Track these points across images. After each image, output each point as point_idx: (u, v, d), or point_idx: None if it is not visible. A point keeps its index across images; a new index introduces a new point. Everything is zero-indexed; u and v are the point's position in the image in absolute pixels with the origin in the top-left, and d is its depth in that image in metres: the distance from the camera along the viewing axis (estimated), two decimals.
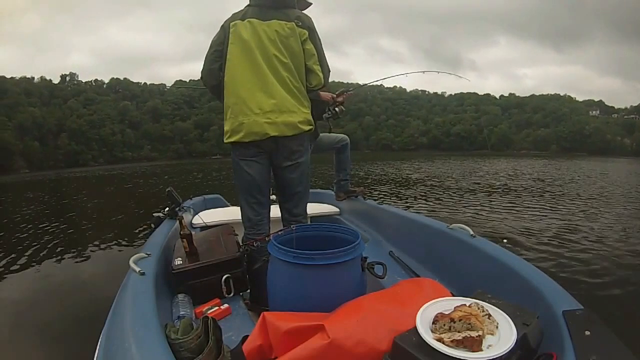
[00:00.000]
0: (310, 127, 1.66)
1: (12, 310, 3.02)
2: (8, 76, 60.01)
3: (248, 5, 1.64)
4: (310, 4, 1.84)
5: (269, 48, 1.55)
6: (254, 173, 1.62)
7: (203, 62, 1.67)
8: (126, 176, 22.01)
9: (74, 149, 57.04)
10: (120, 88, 73.92)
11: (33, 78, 65.45)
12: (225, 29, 1.61)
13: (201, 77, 1.71)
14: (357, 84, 2.58)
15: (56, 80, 69.55)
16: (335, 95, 2.48)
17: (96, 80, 74.64)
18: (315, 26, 1.65)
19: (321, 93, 2.33)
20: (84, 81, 73.31)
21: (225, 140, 1.62)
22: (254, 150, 1.60)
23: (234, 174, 1.68)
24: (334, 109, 2.49)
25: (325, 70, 1.68)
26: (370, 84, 3.18)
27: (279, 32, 1.56)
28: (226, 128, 1.61)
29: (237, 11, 1.65)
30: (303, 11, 1.73)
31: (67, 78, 71.61)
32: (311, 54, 1.63)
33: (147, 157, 61.80)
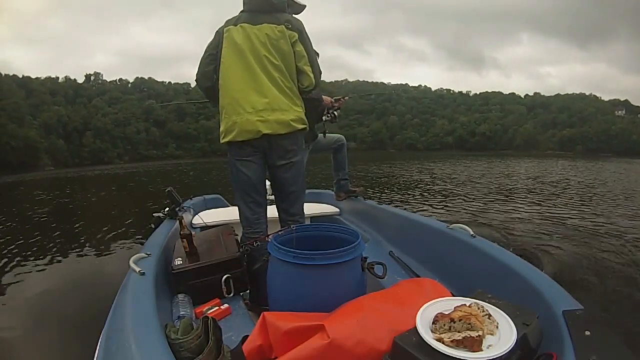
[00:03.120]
0: (304, 125, 1.69)
1: (12, 310, 3.02)
2: (33, 76, 60.79)
3: (241, 12, 1.70)
4: (304, 6, 1.88)
5: (260, 50, 1.60)
6: (250, 173, 1.65)
7: (198, 66, 1.72)
8: (142, 174, 22.03)
9: (99, 146, 57.40)
10: (145, 87, 73.78)
11: (58, 78, 65.89)
12: (219, 34, 1.67)
13: (196, 80, 1.75)
14: (351, 95, 2.77)
15: (81, 79, 69.83)
16: (333, 100, 2.60)
17: (121, 79, 74.72)
18: (310, 28, 1.70)
19: (323, 97, 2.47)
20: (108, 80, 73.30)
21: (221, 141, 1.66)
22: (249, 149, 1.63)
23: (231, 174, 1.71)
24: (333, 112, 2.61)
25: (316, 71, 1.71)
26: (363, 95, 3.34)
27: (270, 35, 1.61)
28: (221, 129, 1.65)
29: (230, 18, 1.70)
30: (297, 15, 1.80)
31: (92, 77, 71.53)
32: (301, 55, 1.66)
33: (172, 155, 61.88)
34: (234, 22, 1.66)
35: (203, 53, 1.71)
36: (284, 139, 1.63)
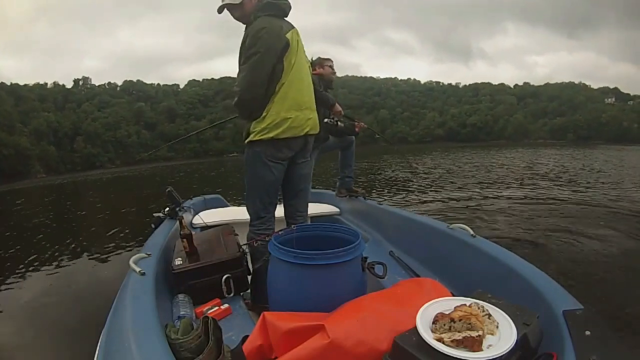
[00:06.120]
0: None
1: (14, 310, 3.03)
2: (22, 83, 60.29)
3: (268, 15, 1.55)
4: None
5: (303, 54, 1.66)
6: (278, 175, 1.64)
7: (246, 75, 1.51)
8: (136, 178, 22.09)
9: (90, 151, 57.07)
10: (134, 90, 73.12)
11: (46, 84, 65.26)
12: (284, 38, 1.53)
13: (240, 90, 1.53)
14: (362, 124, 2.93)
15: (69, 84, 69.19)
16: (341, 111, 2.63)
17: (109, 83, 73.96)
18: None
19: (336, 105, 2.57)
20: (97, 84, 72.58)
21: (257, 138, 1.56)
22: (286, 152, 1.61)
23: (254, 173, 1.64)
24: (337, 121, 2.67)
25: None
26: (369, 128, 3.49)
27: (299, 39, 1.64)
28: (262, 126, 1.54)
29: (268, 19, 1.54)
30: None
31: (80, 82, 70.97)
32: None
33: (163, 157, 61.24)
34: (285, 26, 1.57)
35: (254, 61, 1.49)
36: (312, 138, 1.71)
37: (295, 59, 1.59)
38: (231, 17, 1.64)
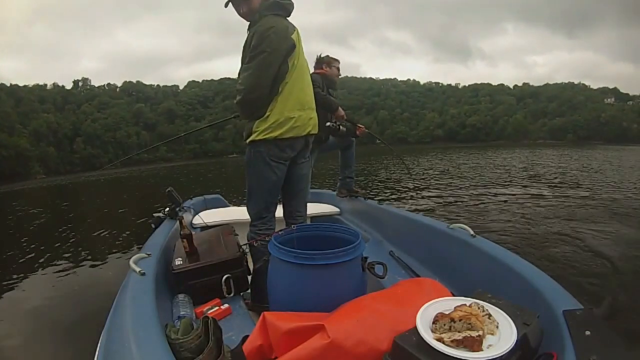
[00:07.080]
0: None
1: (14, 310, 3.03)
2: (21, 84, 60.81)
3: (273, 14, 1.54)
4: None
5: (303, 54, 1.66)
6: (281, 175, 1.65)
7: (252, 74, 1.48)
8: (136, 179, 22.11)
9: (90, 152, 57.29)
10: (134, 91, 73.71)
11: (46, 85, 65.68)
12: (290, 39, 1.54)
13: (244, 89, 1.51)
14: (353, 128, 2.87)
15: (69, 85, 69.62)
16: (344, 115, 2.64)
17: (109, 84, 74.41)
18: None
19: (340, 109, 2.58)
20: (96, 85, 73.11)
21: (260, 137, 1.55)
22: (288, 152, 1.62)
23: (256, 173, 1.63)
24: (338, 125, 2.66)
25: None
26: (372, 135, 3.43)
27: (300, 39, 1.63)
28: (265, 125, 1.54)
29: (274, 19, 1.52)
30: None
31: (80, 83, 71.49)
32: None
33: (163, 158, 61.15)
34: (291, 26, 1.57)
35: (260, 60, 1.47)
36: (312, 138, 1.72)
37: (298, 60, 1.59)
38: (231, 16, 1.61)
